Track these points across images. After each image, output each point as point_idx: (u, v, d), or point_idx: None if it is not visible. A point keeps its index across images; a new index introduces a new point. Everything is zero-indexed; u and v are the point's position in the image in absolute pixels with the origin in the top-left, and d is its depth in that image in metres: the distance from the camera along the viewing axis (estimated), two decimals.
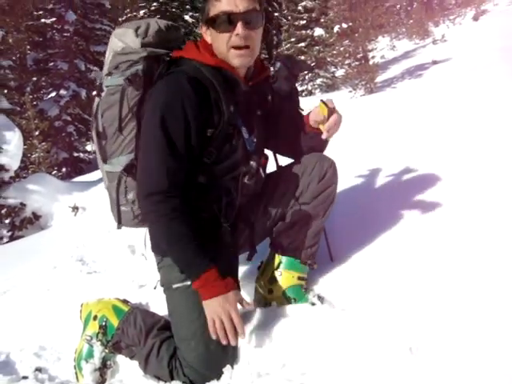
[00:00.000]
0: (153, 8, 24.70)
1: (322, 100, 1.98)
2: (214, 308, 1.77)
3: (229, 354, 1.89)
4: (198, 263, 1.79)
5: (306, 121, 2.09)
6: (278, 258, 2.15)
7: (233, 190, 1.99)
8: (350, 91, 11.65)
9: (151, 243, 2.12)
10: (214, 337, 1.77)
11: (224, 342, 1.76)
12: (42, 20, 18.65)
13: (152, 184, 1.82)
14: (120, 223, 2.19)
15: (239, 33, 1.81)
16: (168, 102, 1.83)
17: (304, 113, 2.18)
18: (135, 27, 2.01)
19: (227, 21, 1.82)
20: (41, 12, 19.06)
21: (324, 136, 1.94)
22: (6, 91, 12.91)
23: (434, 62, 11.04)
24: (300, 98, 3.14)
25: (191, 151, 1.86)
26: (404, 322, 1.75)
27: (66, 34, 18.53)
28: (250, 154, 2.00)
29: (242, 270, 2.48)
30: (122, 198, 2.11)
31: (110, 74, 2.04)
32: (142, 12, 24.80)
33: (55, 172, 17.57)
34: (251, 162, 1.99)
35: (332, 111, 1.94)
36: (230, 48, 1.85)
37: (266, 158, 2.13)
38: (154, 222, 1.86)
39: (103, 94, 2.06)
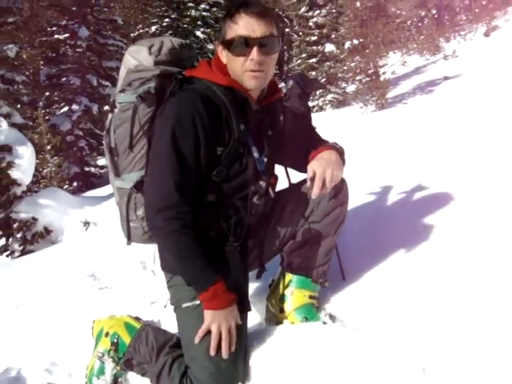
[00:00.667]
0: (164, 24, 24.99)
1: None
2: (218, 319, 1.82)
3: (240, 373, 1.88)
4: (206, 276, 1.82)
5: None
6: (288, 276, 2.15)
7: (242, 209, 1.98)
8: (361, 107, 11.64)
9: (160, 261, 2.13)
10: (196, 341, 1.85)
11: (212, 353, 1.82)
12: (56, 36, 18.86)
13: (161, 199, 1.82)
14: (129, 239, 2.20)
15: (254, 58, 1.82)
16: (179, 119, 1.84)
17: (319, 133, 2.19)
18: (149, 45, 2.04)
19: (243, 45, 1.82)
20: (54, 28, 19.29)
21: (313, 197, 1.92)
22: (19, 106, 13.03)
23: (446, 78, 11.02)
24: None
25: (200, 168, 1.87)
26: (417, 341, 1.74)
27: (78, 50, 18.72)
28: (260, 174, 2.00)
29: (252, 287, 2.48)
30: (132, 214, 2.13)
31: (123, 90, 2.07)
32: (153, 28, 25.11)
33: (66, 186, 17.65)
34: (261, 182, 1.99)
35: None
36: (244, 71, 1.86)
37: (276, 178, 2.12)
38: (162, 237, 1.87)
39: (116, 111, 2.09)
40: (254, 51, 1.81)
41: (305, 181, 2.17)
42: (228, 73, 1.93)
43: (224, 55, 1.92)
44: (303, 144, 2.17)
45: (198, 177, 1.88)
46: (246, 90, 1.91)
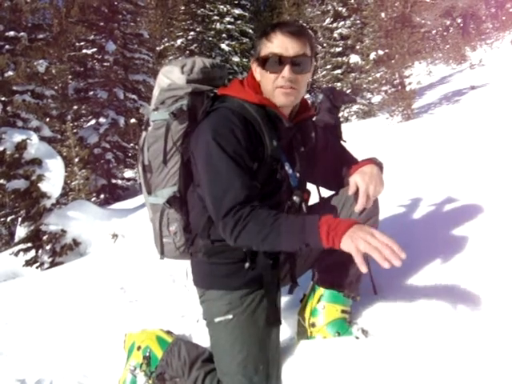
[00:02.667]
0: (190, 37, 25.29)
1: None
2: (353, 237, 1.55)
3: None
4: (308, 218, 1.70)
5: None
6: (320, 290, 2.14)
7: None
8: (387, 118, 11.60)
9: (193, 276, 2.15)
10: (363, 268, 1.52)
11: (384, 264, 1.49)
12: (84, 50, 19.26)
13: (228, 203, 1.76)
14: (163, 254, 2.21)
15: (285, 76, 1.85)
16: (219, 131, 1.84)
17: (347, 145, 2.19)
18: (181, 65, 2.08)
19: (276, 63, 1.86)
20: (82, 43, 19.71)
21: (356, 209, 1.94)
22: (48, 119, 13.26)
23: (472, 88, 10.93)
24: None
25: (251, 171, 1.86)
26: (452, 357, 1.71)
27: (105, 64, 19.08)
28: (294, 189, 2.01)
29: (284, 302, 2.47)
30: (165, 229, 2.15)
31: (156, 109, 2.10)
32: (179, 41, 25.44)
33: (94, 198, 17.91)
34: (294, 198, 2.00)
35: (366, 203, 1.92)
36: (275, 88, 1.89)
37: (309, 193, 2.12)
38: (243, 227, 1.73)
39: (150, 129, 2.11)
40: (286, 69, 1.84)
41: (335, 195, 2.17)
42: (260, 91, 1.96)
43: (258, 72, 1.96)
44: (334, 163, 2.19)
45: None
46: (278, 108, 1.93)
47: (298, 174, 2.04)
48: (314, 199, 2.22)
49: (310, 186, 2.21)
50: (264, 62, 1.89)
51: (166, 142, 2.05)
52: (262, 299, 1.98)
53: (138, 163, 2.19)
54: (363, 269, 1.51)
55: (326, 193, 2.29)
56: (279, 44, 1.86)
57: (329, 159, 2.19)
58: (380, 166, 2.05)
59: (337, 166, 2.19)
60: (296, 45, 1.85)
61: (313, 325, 2.11)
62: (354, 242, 1.54)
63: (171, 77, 2.07)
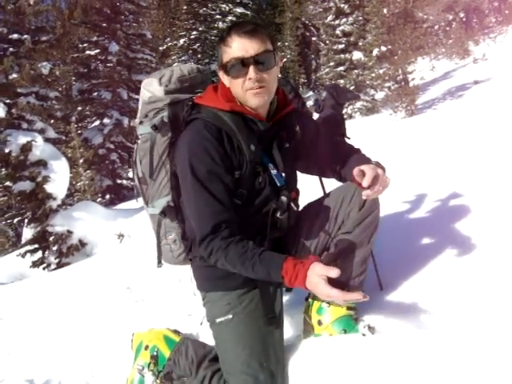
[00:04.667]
0: (192, 37, 25.30)
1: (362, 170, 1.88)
2: (316, 292, 1.66)
3: None
4: (273, 266, 1.73)
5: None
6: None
7: (266, 225, 1.99)
8: (391, 114, 11.58)
9: (196, 281, 2.19)
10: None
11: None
12: (87, 52, 19.27)
13: (199, 230, 1.85)
14: (160, 262, 2.25)
15: (251, 77, 1.83)
16: (193, 150, 1.87)
17: (351, 142, 2.19)
18: (159, 76, 2.11)
19: (239, 66, 1.84)
20: (86, 44, 19.71)
21: (363, 197, 1.91)
22: (52, 121, 13.29)
23: (476, 82, 10.90)
24: None
25: (227, 190, 1.88)
26: (458, 353, 1.71)
27: (109, 65, 19.08)
28: (280, 190, 2.01)
29: (289, 300, 2.48)
30: (163, 238, 2.19)
31: (141, 122, 2.14)
32: (181, 41, 25.45)
33: (99, 199, 17.94)
34: (282, 198, 1.99)
35: (374, 182, 1.84)
36: (245, 91, 1.88)
37: (297, 192, 2.13)
38: (217, 259, 1.82)
39: (139, 142, 2.16)
40: (251, 70, 1.82)
41: (333, 192, 2.17)
42: (232, 97, 1.95)
43: (225, 79, 1.94)
44: (328, 150, 2.18)
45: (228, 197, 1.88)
46: (251, 111, 1.93)
47: (283, 174, 2.03)
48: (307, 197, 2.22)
49: (311, 184, 2.21)
50: (227, 69, 1.87)
51: (151, 156, 2.08)
52: (261, 297, 2.00)
53: (134, 175, 2.22)
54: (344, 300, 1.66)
55: (329, 187, 2.29)
56: (238, 47, 1.83)
57: (322, 148, 2.18)
58: (383, 169, 1.99)
59: (332, 154, 2.17)
60: (254, 43, 1.83)
61: (319, 323, 2.12)
62: (320, 296, 1.70)
63: (150, 89, 2.10)
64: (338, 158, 2.16)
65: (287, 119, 2.08)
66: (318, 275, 1.62)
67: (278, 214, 1.99)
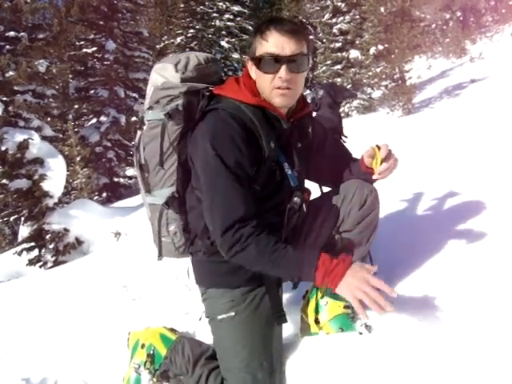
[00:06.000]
0: (189, 35, 25.24)
1: (376, 145, 2.00)
2: (351, 286, 1.62)
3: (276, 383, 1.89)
4: (306, 257, 1.71)
5: (361, 160, 2.10)
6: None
7: (277, 225, 1.97)
8: (388, 113, 11.58)
9: (195, 275, 2.15)
10: (366, 319, 1.71)
11: (377, 311, 1.59)
12: (84, 50, 19.17)
13: (226, 219, 1.76)
14: (161, 255, 2.21)
15: (282, 76, 1.81)
16: (218, 138, 1.82)
17: (348, 141, 2.19)
18: (175, 62, 2.03)
19: (272, 63, 1.82)
20: (82, 42, 19.62)
21: (375, 177, 1.96)
22: (49, 119, 13.26)
23: (472, 81, 10.89)
24: None
25: (250, 181, 1.85)
26: (457, 352, 1.71)
27: (106, 63, 19.00)
28: (294, 190, 1.99)
29: (286, 298, 2.48)
30: (164, 230, 2.14)
31: (151, 108, 2.07)
32: (178, 39, 25.39)
33: (96, 197, 17.90)
34: (295, 199, 1.98)
35: (388, 156, 1.96)
36: (272, 88, 1.86)
37: (309, 193, 2.11)
38: (242, 249, 1.74)
39: (145, 128, 2.08)
40: (283, 69, 1.81)
41: (334, 191, 2.18)
42: (257, 91, 1.93)
43: (253, 70, 1.92)
44: (330, 160, 2.20)
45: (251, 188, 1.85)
46: (275, 108, 1.91)
47: (296, 174, 2.02)
48: (314, 195, 2.22)
49: (311, 182, 2.21)
50: (259, 62, 1.85)
51: (162, 143, 2.01)
52: (264, 296, 1.98)
53: (135, 162, 2.17)
54: (360, 312, 1.62)
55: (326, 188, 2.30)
56: (275, 43, 1.81)
57: (325, 155, 2.19)
58: None
59: (333, 162, 2.19)
60: (292, 44, 1.81)
61: (316, 321, 2.12)
62: (351, 292, 1.62)
63: (165, 75, 2.03)
64: (340, 165, 2.18)
65: (302, 120, 2.07)
66: (362, 267, 1.67)
67: (290, 215, 1.98)
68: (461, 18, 21.85)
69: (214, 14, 25.37)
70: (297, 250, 1.74)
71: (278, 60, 1.81)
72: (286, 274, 1.82)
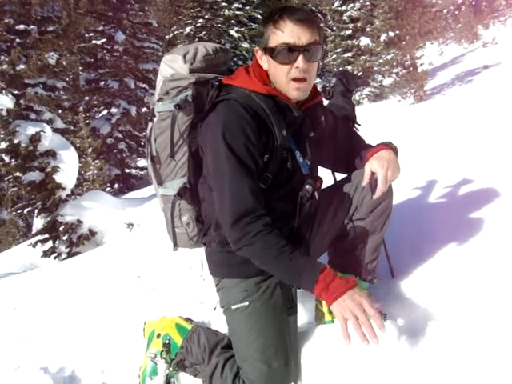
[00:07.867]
0: (198, 25, 25.13)
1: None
2: (343, 305, 1.62)
3: (291, 373, 1.90)
4: (310, 267, 1.72)
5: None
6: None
7: (289, 213, 1.97)
8: (399, 100, 11.49)
9: (209, 265, 2.16)
10: (347, 342, 1.61)
11: (364, 342, 1.58)
12: (93, 41, 19.24)
13: (236, 209, 1.78)
14: (176, 245, 2.22)
15: (300, 66, 1.81)
16: (229, 127, 1.82)
17: (360, 128, 2.18)
18: (183, 53, 2.02)
19: (288, 53, 1.81)
20: (92, 34, 19.70)
21: (374, 197, 1.95)
22: (60, 111, 13.29)
23: (485, 67, 10.76)
24: None
25: (259, 172, 1.86)
26: (474, 339, 1.71)
27: (115, 54, 19.08)
28: (306, 178, 1.99)
29: None
30: (177, 220, 2.15)
31: (160, 99, 2.06)
32: (188, 29, 25.28)
33: (108, 188, 17.98)
34: (307, 186, 1.97)
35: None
36: (289, 80, 1.85)
37: (321, 181, 2.09)
38: (249, 244, 1.77)
39: (155, 120, 2.09)
40: (300, 59, 1.81)
41: (347, 179, 2.17)
42: (268, 80, 1.93)
43: (265, 61, 1.92)
44: (343, 146, 2.20)
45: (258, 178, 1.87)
46: (286, 97, 1.91)
47: (308, 162, 2.02)
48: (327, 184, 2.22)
49: (324, 171, 2.20)
50: (274, 53, 1.84)
51: (172, 134, 2.02)
52: (277, 286, 1.98)
53: (147, 154, 2.17)
54: (346, 340, 1.61)
55: (339, 176, 2.29)
56: (290, 33, 1.80)
57: (338, 142, 2.19)
58: (395, 150, 2.02)
59: (346, 149, 2.19)
60: (307, 32, 1.81)
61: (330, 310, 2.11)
62: (341, 311, 1.62)
63: (173, 66, 2.02)
64: (353, 152, 2.17)
65: (314, 109, 2.07)
66: (363, 293, 1.67)
67: (302, 203, 1.98)
68: (473, 3, 21.55)
69: (223, 4, 25.23)
70: (303, 257, 1.75)
71: (294, 50, 1.81)
72: (286, 278, 1.83)
